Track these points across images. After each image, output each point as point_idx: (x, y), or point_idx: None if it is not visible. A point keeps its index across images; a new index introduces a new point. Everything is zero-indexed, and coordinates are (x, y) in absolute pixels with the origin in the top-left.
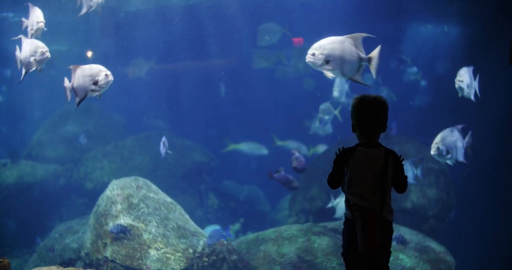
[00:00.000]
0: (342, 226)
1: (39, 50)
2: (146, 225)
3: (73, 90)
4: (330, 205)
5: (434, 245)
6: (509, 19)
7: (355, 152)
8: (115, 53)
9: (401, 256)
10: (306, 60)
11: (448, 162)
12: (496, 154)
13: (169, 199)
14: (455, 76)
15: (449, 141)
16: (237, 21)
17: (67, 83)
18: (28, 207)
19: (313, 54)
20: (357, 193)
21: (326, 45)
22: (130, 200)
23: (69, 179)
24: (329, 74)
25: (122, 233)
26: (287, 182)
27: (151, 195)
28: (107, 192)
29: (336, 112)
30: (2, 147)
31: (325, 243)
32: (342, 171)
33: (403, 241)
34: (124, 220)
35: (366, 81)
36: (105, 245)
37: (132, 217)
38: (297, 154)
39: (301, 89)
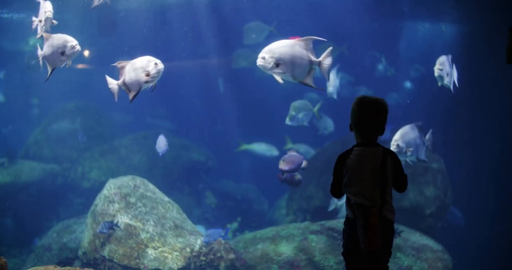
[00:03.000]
0: (340, 225)
1: (69, 44)
2: (143, 224)
3: (125, 86)
4: (332, 207)
5: (431, 243)
6: (507, 17)
7: (352, 152)
8: (113, 52)
9: (398, 254)
10: (257, 64)
11: (408, 159)
12: (495, 154)
13: (166, 198)
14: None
15: (409, 138)
16: (240, 19)
17: (113, 81)
18: (26, 206)
19: (263, 58)
20: (357, 192)
21: (276, 48)
22: (127, 199)
23: (66, 178)
24: (279, 78)
25: (111, 229)
26: (291, 179)
27: (148, 194)
28: (105, 191)
29: (315, 110)
30: None
31: (322, 241)
32: (342, 176)
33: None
34: (122, 219)
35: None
36: (102, 244)
37: (130, 216)
38: (286, 155)
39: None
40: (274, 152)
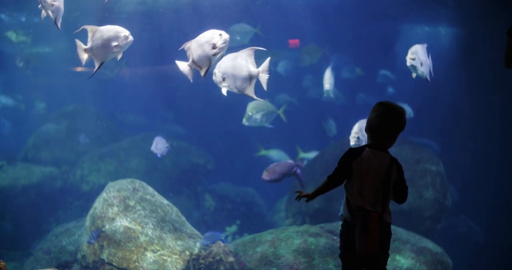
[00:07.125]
0: (339, 228)
1: (122, 35)
2: (142, 227)
3: (195, 64)
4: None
5: (431, 246)
6: (505, 20)
7: (363, 151)
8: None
9: (397, 257)
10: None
11: None
12: (495, 156)
13: (165, 201)
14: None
15: None
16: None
17: (183, 63)
18: (25, 209)
19: (214, 74)
20: (360, 194)
21: (223, 63)
22: (126, 202)
23: (65, 181)
24: (224, 91)
25: (99, 236)
26: (298, 179)
27: (147, 197)
28: (104, 194)
29: (280, 111)
30: None
31: (321, 244)
32: (348, 168)
33: None
34: (121, 222)
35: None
36: (101, 247)
37: (129, 219)
38: (271, 165)
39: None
40: (289, 160)
